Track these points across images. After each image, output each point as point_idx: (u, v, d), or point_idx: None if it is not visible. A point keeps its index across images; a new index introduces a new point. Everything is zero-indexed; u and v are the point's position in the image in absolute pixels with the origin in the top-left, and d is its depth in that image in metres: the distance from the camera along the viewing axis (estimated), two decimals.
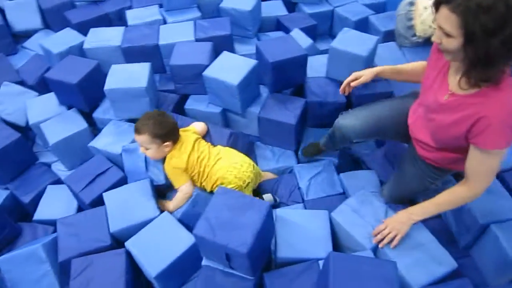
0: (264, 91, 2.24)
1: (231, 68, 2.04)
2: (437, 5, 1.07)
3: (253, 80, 2.11)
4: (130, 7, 2.80)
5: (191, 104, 2.23)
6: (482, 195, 1.36)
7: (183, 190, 1.74)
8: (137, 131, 1.70)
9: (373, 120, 1.56)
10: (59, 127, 2.15)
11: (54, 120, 2.22)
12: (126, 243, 1.58)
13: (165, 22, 2.66)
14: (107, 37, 2.42)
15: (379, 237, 1.41)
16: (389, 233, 1.39)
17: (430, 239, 1.50)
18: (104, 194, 1.77)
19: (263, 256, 1.47)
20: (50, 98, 2.33)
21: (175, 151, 1.75)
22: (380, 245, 1.42)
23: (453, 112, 1.22)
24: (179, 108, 2.25)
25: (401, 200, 1.70)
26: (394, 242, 1.39)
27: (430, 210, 1.38)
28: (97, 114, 2.22)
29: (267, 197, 1.89)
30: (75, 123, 2.19)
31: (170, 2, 2.68)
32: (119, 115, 2.12)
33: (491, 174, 1.24)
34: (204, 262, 1.49)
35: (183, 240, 1.57)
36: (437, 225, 1.72)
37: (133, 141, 1.96)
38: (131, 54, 2.40)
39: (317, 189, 1.93)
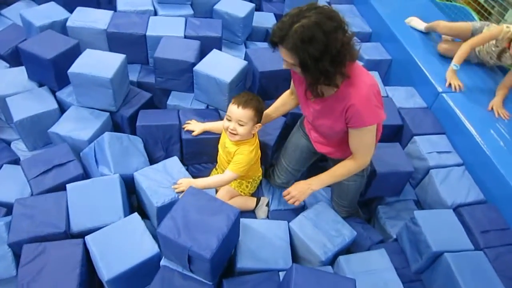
0: None
1: (222, 66, 2.09)
2: (274, 45, 1.31)
3: (242, 81, 2.17)
4: None
5: (174, 100, 2.27)
6: (438, 226, 1.67)
7: (232, 176, 1.78)
8: (243, 105, 1.70)
9: (292, 171, 2.00)
10: (27, 104, 2.09)
11: (23, 96, 2.14)
12: (86, 237, 1.54)
13: (155, 14, 2.67)
14: (93, 19, 2.40)
15: (287, 197, 1.65)
16: (291, 198, 1.64)
17: (388, 266, 1.61)
18: (67, 186, 1.70)
19: (224, 261, 1.48)
20: (22, 72, 2.26)
21: (254, 141, 1.82)
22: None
23: (330, 114, 1.48)
24: (150, 107, 2.23)
25: (353, 206, 1.98)
26: (296, 204, 1.66)
27: (327, 181, 1.63)
28: (61, 95, 2.17)
29: (264, 200, 1.99)
30: (45, 102, 2.13)
31: None
32: (80, 101, 2.08)
33: (370, 147, 1.52)
34: (163, 262, 1.48)
35: (146, 247, 1.52)
36: (392, 248, 1.83)
37: (95, 134, 1.91)
38: (116, 40, 2.39)
39: (281, 200, 2.04)
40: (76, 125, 2.03)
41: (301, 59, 1.27)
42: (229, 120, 1.75)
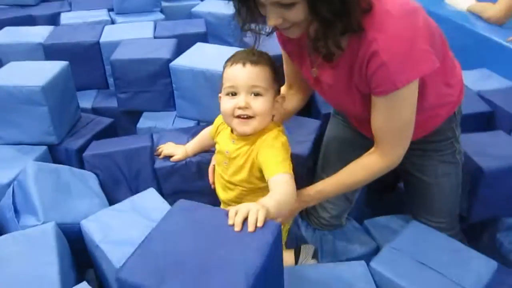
0: None
1: (212, 57, 1.64)
2: None
3: None
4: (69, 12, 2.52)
5: (146, 122, 1.81)
6: None
7: (290, 181, 1.11)
8: (252, 61, 1.13)
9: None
10: None
11: None
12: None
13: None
14: (26, 34, 2.09)
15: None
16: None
17: None
18: None
19: None
20: None
21: (278, 127, 1.21)
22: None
23: (348, 84, 1.11)
24: (109, 137, 1.76)
25: (454, 224, 1.45)
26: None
27: (331, 191, 1.23)
28: None
29: (308, 248, 1.37)
30: None
31: (121, 3, 2.37)
32: (2, 135, 1.60)
33: (405, 129, 1.11)
34: None
35: None
36: None
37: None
38: (58, 56, 1.87)
39: (336, 248, 1.45)
40: None
41: None
42: (234, 95, 1.13)
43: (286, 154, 1.13)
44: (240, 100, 1.08)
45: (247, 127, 1.11)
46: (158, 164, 1.46)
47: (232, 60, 1.14)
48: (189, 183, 1.50)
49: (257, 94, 1.09)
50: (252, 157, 1.13)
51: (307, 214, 1.55)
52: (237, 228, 0.79)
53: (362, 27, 0.97)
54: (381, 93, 1.02)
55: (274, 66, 1.18)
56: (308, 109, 1.84)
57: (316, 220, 1.50)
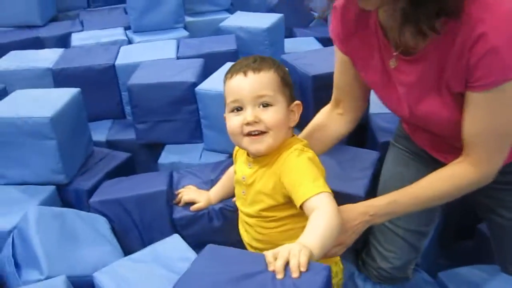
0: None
1: None
2: None
3: None
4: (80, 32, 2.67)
5: (169, 157, 1.84)
6: None
7: (330, 201, 1.07)
8: (253, 68, 1.14)
9: (405, 234, 1.47)
10: None
11: None
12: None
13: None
14: (33, 59, 2.20)
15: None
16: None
17: None
18: None
19: None
20: None
21: (297, 141, 1.21)
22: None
23: (437, 81, 1.09)
24: (126, 174, 1.81)
25: None
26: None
27: (408, 206, 1.21)
28: None
29: None
30: None
31: (139, 20, 2.48)
32: (6, 174, 1.65)
33: (506, 136, 1.09)
34: None
35: None
36: None
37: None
38: (68, 83, 1.97)
39: None
40: None
41: None
42: (239, 110, 1.12)
43: (317, 171, 1.11)
44: (248, 114, 1.08)
45: (261, 145, 1.10)
46: (177, 213, 1.45)
47: (231, 71, 1.14)
48: (213, 235, 1.47)
49: (266, 105, 1.09)
50: (273, 181, 1.11)
51: (364, 265, 1.52)
52: (279, 275, 0.80)
53: (461, 9, 0.94)
54: (485, 86, 0.99)
55: (282, 70, 1.18)
56: (361, 137, 1.84)
57: (375, 272, 1.46)
